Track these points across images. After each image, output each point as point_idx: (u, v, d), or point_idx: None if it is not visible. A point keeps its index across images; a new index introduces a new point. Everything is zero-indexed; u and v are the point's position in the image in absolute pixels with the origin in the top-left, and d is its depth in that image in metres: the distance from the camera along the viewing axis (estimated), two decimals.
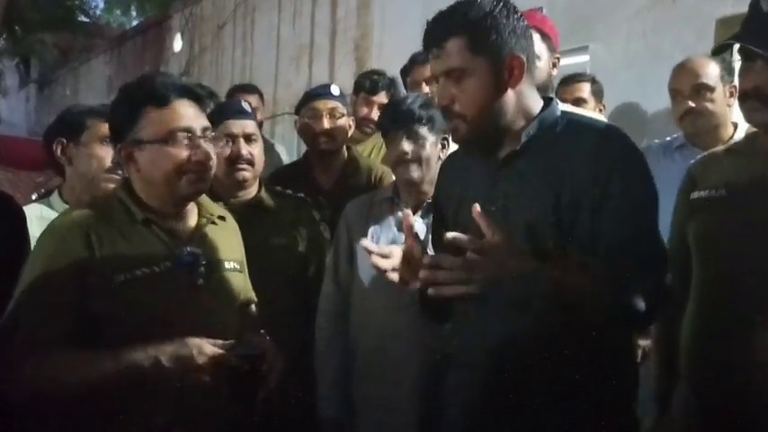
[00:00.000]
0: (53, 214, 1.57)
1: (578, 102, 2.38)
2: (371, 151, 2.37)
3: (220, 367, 1.18)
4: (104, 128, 1.61)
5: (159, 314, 1.23)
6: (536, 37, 1.79)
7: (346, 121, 2.15)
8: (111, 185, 1.62)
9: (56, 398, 1.18)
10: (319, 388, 1.73)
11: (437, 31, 1.13)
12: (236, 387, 1.23)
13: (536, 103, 1.17)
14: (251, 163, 1.76)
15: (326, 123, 2.08)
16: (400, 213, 1.73)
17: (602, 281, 1.00)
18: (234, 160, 1.74)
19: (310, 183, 2.10)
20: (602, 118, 2.17)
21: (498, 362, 1.12)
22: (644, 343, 1.72)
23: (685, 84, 1.97)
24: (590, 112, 2.27)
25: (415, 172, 1.66)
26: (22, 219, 1.38)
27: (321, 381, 1.74)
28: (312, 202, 1.91)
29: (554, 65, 1.87)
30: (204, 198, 1.41)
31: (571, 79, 2.51)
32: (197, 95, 1.33)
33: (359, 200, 1.82)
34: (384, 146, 2.38)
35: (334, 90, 2.16)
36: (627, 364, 1.16)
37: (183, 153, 1.26)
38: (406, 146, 1.65)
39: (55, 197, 1.70)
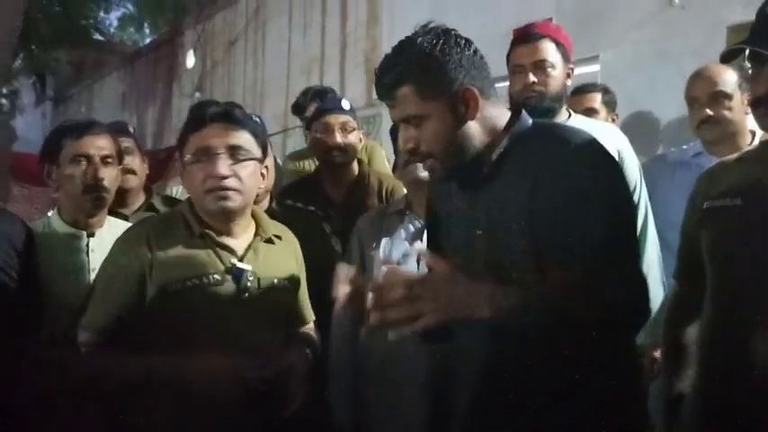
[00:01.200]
0: (52, 231, 1.63)
1: (589, 112, 2.36)
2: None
3: (241, 385, 1.25)
4: (76, 146, 1.63)
5: (204, 324, 1.32)
6: (551, 46, 1.80)
7: (357, 135, 2.16)
8: (88, 205, 1.65)
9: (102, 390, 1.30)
10: (332, 393, 1.74)
11: (385, 83, 1.13)
12: (254, 405, 1.28)
13: (503, 120, 1.16)
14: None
15: (338, 138, 2.09)
16: (411, 226, 1.74)
17: (570, 293, 0.99)
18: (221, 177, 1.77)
19: (322, 196, 2.11)
20: (611, 125, 2.16)
21: (493, 368, 1.12)
22: (657, 354, 1.70)
23: (702, 91, 1.95)
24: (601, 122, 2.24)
25: (420, 171, 1.63)
26: (27, 233, 1.45)
27: (334, 386, 1.75)
28: (323, 215, 1.92)
29: (568, 75, 1.85)
30: (262, 216, 1.50)
31: (582, 89, 2.48)
32: (229, 116, 1.38)
33: (370, 213, 1.83)
34: (368, 148, 2.44)
35: (345, 104, 2.17)
36: (624, 365, 1.14)
37: (202, 171, 1.34)
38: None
39: (54, 216, 1.70)
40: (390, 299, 0.94)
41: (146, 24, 12.46)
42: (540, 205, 1.05)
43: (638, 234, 1.37)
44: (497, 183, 1.12)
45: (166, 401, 1.28)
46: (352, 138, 2.13)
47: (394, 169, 1.97)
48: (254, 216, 1.49)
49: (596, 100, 2.46)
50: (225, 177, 1.33)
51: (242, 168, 1.36)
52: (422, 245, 1.64)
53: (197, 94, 7.70)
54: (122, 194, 1.91)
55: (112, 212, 1.79)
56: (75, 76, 13.05)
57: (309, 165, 2.38)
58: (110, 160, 1.66)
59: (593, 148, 1.09)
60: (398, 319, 0.94)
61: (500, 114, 1.16)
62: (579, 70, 2.70)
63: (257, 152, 1.40)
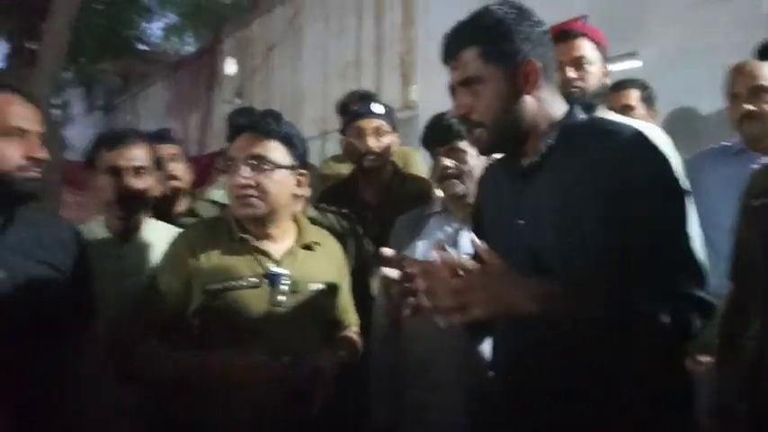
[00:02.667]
0: (93, 236, 1.69)
1: (626, 109, 2.31)
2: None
3: (276, 384, 1.31)
4: (107, 158, 1.68)
5: (241, 324, 1.38)
6: (588, 44, 1.78)
7: (391, 139, 2.18)
8: (121, 212, 1.71)
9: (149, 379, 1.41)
10: (373, 396, 1.76)
11: (452, 43, 1.15)
12: (288, 402, 1.34)
13: (559, 110, 1.15)
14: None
15: (371, 142, 2.11)
16: (449, 228, 1.74)
17: (610, 293, 0.98)
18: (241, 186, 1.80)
19: (357, 199, 2.13)
20: (651, 125, 2.12)
21: (531, 369, 1.10)
22: (705, 359, 1.66)
23: (743, 86, 1.89)
24: (637, 119, 2.20)
25: (458, 187, 1.67)
26: (77, 237, 1.50)
27: (374, 389, 1.77)
28: (358, 218, 1.95)
29: (605, 74, 1.84)
30: (304, 223, 1.56)
31: (619, 86, 2.43)
32: (256, 126, 1.44)
33: (409, 215, 1.84)
34: (404, 152, 2.44)
35: (378, 109, 2.18)
36: (674, 369, 1.10)
37: (229, 181, 1.43)
38: (448, 161, 1.68)
39: (96, 222, 1.76)
40: (439, 286, 0.94)
41: (188, 33, 12.81)
42: (585, 200, 1.04)
43: None
44: (545, 173, 1.11)
45: (208, 395, 1.35)
46: (385, 142, 2.15)
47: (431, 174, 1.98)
48: (296, 221, 1.54)
49: (634, 96, 2.41)
50: (245, 186, 1.39)
51: (265, 177, 1.41)
52: (462, 247, 1.64)
53: (237, 100, 7.87)
54: (167, 199, 1.98)
55: (160, 217, 1.86)
56: (122, 85, 13.52)
57: (346, 168, 2.42)
58: (143, 171, 1.70)
59: (643, 143, 1.07)
60: (445, 307, 0.94)
61: (556, 102, 1.16)
62: (618, 67, 2.66)
63: (286, 160, 1.44)
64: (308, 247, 1.52)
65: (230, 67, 8.37)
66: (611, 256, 1.01)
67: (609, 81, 1.89)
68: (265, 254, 1.45)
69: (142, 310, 1.43)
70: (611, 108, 1.95)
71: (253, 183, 1.40)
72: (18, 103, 1.30)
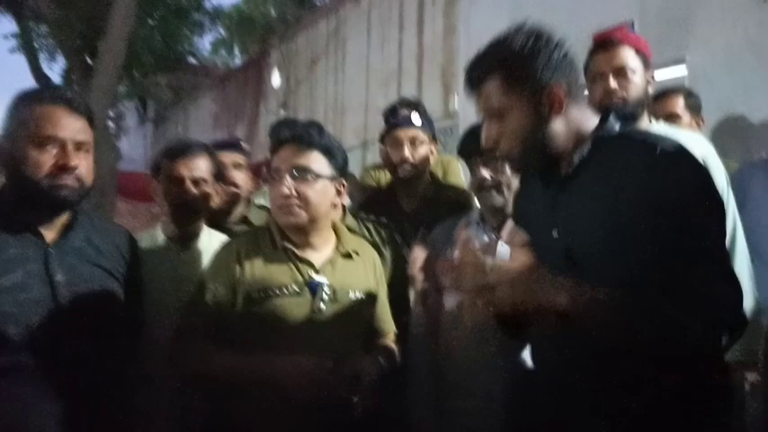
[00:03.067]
0: (153, 243, 1.78)
1: (671, 117, 2.25)
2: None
3: (318, 388, 1.33)
4: (171, 168, 1.78)
5: (280, 331, 1.42)
6: (630, 53, 1.76)
7: (428, 148, 2.19)
8: (181, 220, 1.80)
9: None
10: (412, 404, 1.77)
11: (473, 76, 1.16)
12: (329, 407, 1.35)
13: (589, 123, 1.14)
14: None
15: (407, 152, 2.12)
16: (485, 238, 1.73)
17: (644, 308, 0.96)
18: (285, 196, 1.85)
19: (395, 208, 2.15)
20: (695, 134, 2.06)
21: (572, 374, 1.09)
22: (752, 377, 1.60)
23: None
24: (682, 128, 2.14)
25: (496, 198, 1.66)
26: (133, 244, 1.57)
27: (414, 396, 1.77)
28: (394, 225, 1.97)
29: (648, 83, 1.80)
30: (342, 231, 1.60)
31: (663, 94, 2.37)
32: (299, 138, 1.49)
33: (445, 224, 1.85)
34: (443, 162, 2.44)
35: (415, 119, 2.20)
36: (714, 383, 1.07)
37: (271, 191, 1.49)
38: (485, 172, 1.67)
39: (158, 229, 1.86)
40: (467, 281, 0.96)
41: (235, 46, 13.15)
42: (621, 213, 1.03)
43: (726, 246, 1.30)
44: (578, 186, 1.11)
45: (253, 397, 1.38)
46: (421, 152, 2.16)
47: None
48: (335, 230, 1.57)
49: (678, 104, 2.35)
50: (288, 196, 1.44)
51: (307, 187, 1.45)
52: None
53: (282, 112, 8.03)
54: (226, 206, 2.06)
55: (216, 224, 1.94)
56: (173, 98, 13.99)
57: (386, 177, 2.44)
58: (202, 181, 1.79)
59: (681, 155, 1.05)
60: (473, 302, 0.95)
61: (586, 117, 1.15)
62: (664, 74, 2.59)
63: (327, 170, 1.49)
64: (347, 256, 1.55)
65: (276, 79, 8.56)
66: (640, 268, 0.99)
67: (653, 89, 1.86)
68: (306, 262, 1.49)
69: (191, 316, 1.48)
70: (655, 116, 1.91)
71: (295, 192, 1.45)
72: (60, 113, 1.33)
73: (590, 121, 1.15)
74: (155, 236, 1.83)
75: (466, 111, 4.61)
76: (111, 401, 1.40)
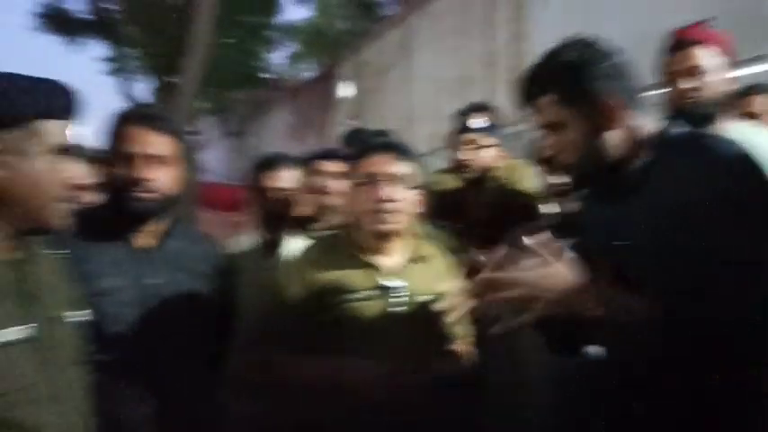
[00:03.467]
0: (239, 251, 1.90)
1: (749, 117, 2.13)
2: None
3: (393, 389, 1.34)
4: (259, 178, 1.91)
5: (356, 336, 1.43)
6: (705, 52, 1.70)
7: (491, 153, 2.18)
8: (273, 228, 1.90)
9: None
10: (486, 410, 1.76)
11: (528, 91, 1.16)
12: (412, 410, 1.35)
13: (649, 130, 1.13)
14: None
15: (468, 155, 2.13)
16: (559, 245, 1.71)
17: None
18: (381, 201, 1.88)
19: (464, 213, 2.16)
20: None
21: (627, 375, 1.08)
22: None
23: None
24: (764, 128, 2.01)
25: (568, 204, 1.65)
26: (220, 251, 1.68)
27: (489, 401, 1.77)
28: (465, 232, 1.97)
29: (727, 81, 1.73)
30: (416, 237, 1.61)
31: (744, 92, 2.25)
32: (389, 147, 1.54)
33: (515, 230, 1.83)
34: (514, 166, 2.39)
35: (481, 123, 2.20)
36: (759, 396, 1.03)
37: (364, 195, 1.49)
38: (557, 178, 1.66)
39: (245, 237, 1.99)
40: (500, 284, 0.97)
41: (308, 60, 13.56)
42: (679, 219, 1.01)
43: None
44: (640, 193, 1.10)
45: (331, 402, 1.39)
46: (484, 156, 2.15)
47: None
48: (409, 236, 1.59)
49: (757, 103, 2.20)
50: (385, 201, 1.46)
51: (402, 194, 1.49)
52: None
53: (352, 122, 8.19)
54: (318, 213, 2.12)
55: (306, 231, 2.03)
56: (251, 111, 14.60)
57: (453, 181, 2.45)
58: (288, 192, 1.91)
59: (741, 160, 1.03)
60: (505, 305, 0.96)
61: (645, 124, 1.14)
62: (745, 71, 2.45)
63: (414, 181, 1.53)
64: (420, 260, 1.57)
65: (346, 90, 8.75)
66: (699, 274, 0.98)
67: (734, 87, 1.77)
68: (380, 268, 1.51)
69: (269, 322, 1.51)
70: (735, 116, 1.82)
71: (392, 199, 1.48)
72: (139, 131, 1.44)
73: (650, 127, 1.14)
74: (242, 243, 1.95)
75: None
76: (201, 402, 1.48)
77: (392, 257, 1.54)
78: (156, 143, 1.46)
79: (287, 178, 1.92)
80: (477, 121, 2.21)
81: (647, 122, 1.14)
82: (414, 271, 1.55)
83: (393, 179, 1.49)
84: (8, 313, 0.98)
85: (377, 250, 1.53)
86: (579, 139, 1.12)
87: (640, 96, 1.15)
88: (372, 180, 1.49)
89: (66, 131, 1.06)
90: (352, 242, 1.54)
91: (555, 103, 1.12)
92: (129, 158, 1.43)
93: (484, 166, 2.16)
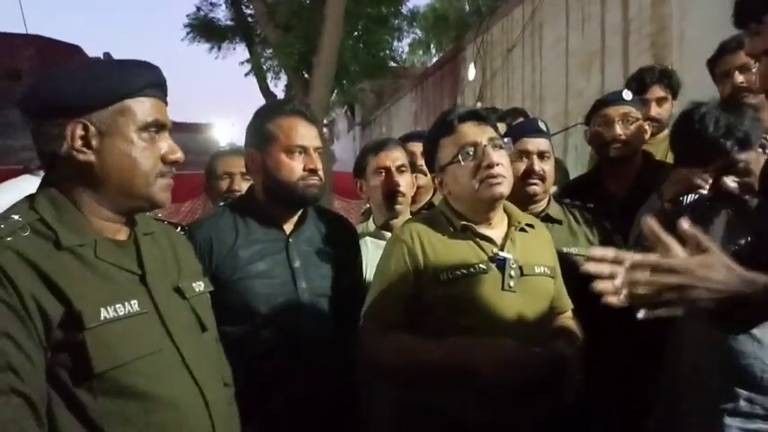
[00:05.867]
0: (365, 233, 1.99)
1: None
2: (663, 152, 2.19)
3: (524, 369, 1.29)
4: (375, 162, 1.98)
5: (472, 311, 1.40)
6: None
7: (641, 126, 2.06)
8: (400, 207, 1.95)
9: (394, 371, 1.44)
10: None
11: (752, 4, 1.00)
12: (534, 389, 1.31)
13: None
14: (542, 179, 1.82)
15: (618, 129, 2.01)
16: (717, 221, 1.56)
17: None
18: (527, 175, 1.81)
19: (601, 192, 2.07)
20: None
21: None
22: None
23: None
24: None
25: (731, 183, 1.46)
26: (355, 233, 1.79)
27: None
28: (601, 211, 1.89)
29: None
30: (512, 207, 1.56)
31: None
32: (477, 115, 1.50)
33: (654, 205, 1.72)
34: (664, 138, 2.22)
35: (627, 95, 2.08)
36: None
37: (471, 164, 1.44)
38: (730, 182, 1.47)
39: (371, 222, 2.08)
40: (649, 277, 0.90)
41: (432, 45, 13.57)
42: None
43: None
44: None
45: (451, 383, 1.36)
46: (634, 129, 2.04)
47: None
48: (504, 208, 1.55)
49: None
50: (497, 165, 1.42)
51: (506, 158, 1.46)
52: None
53: (478, 104, 8.09)
54: (416, 193, 2.19)
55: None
56: (377, 102, 14.96)
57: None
58: (403, 168, 1.97)
59: None
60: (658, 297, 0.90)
61: None
62: None
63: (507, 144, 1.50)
64: (522, 231, 1.52)
65: (471, 72, 8.65)
66: None
67: None
68: (488, 239, 1.47)
69: (378, 304, 1.47)
70: None
71: (503, 163, 1.44)
72: (302, 124, 1.58)
73: None
74: (367, 226, 2.05)
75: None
76: (344, 382, 1.55)
77: (496, 229, 1.50)
78: (316, 136, 1.59)
79: (400, 157, 1.98)
80: (625, 92, 2.09)
81: None
82: (520, 241, 1.49)
83: (497, 143, 1.45)
84: (124, 288, 1.01)
85: (479, 222, 1.48)
86: None
87: None
88: (478, 148, 1.44)
89: (159, 108, 1.05)
90: (453, 217, 1.49)
91: None
92: (301, 150, 1.55)
93: (633, 140, 2.03)
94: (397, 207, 1.96)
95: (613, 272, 0.90)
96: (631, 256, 0.91)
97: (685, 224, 0.91)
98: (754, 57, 1.03)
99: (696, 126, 1.46)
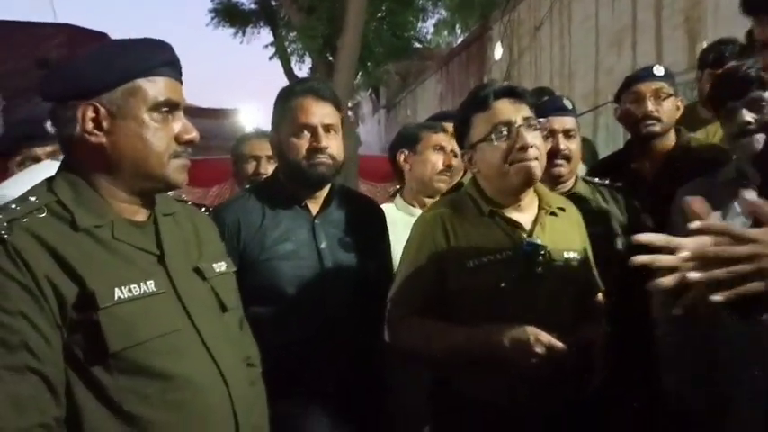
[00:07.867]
0: (396, 212, 1.97)
1: None
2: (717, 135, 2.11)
3: (552, 356, 1.25)
4: (435, 138, 1.99)
5: (500, 297, 1.36)
6: None
7: (674, 103, 1.99)
8: (442, 185, 1.96)
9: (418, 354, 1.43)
10: (675, 384, 1.62)
11: None
12: (563, 375, 1.30)
13: None
14: (568, 158, 1.78)
15: (650, 106, 1.94)
16: (747, 197, 1.52)
17: None
18: (552, 155, 1.76)
19: (631, 172, 2.01)
20: None
21: None
22: None
23: None
24: None
25: (760, 143, 1.45)
26: (382, 216, 1.76)
27: (681, 376, 1.61)
28: (630, 190, 1.84)
29: None
30: (544, 190, 1.51)
31: None
32: (513, 92, 1.44)
33: (694, 183, 1.66)
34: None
35: (658, 70, 2.00)
36: None
37: (504, 144, 1.38)
38: (748, 115, 1.47)
39: (398, 199, 2.07)
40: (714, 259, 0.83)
41: (457, 25, 13.35)
42: None
43: None
44: None
45: (479, 369, 1.34)
46: (667, 106, 1.97)
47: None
48: (535, 190, 1.49)
49: None
50: (533, 146, 1.37)
51: (537, 139, 1.40)
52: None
53: (505, 84, 7.95)
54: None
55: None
56: (401, 84, 14.84)
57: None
58: (455, 153, 1.95)
59: None
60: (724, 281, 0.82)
61: None
62: None
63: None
64: (553, 215, 1.47)
65: (498, 51, 8.50)
66: None
67: None
68: (516, 224, 1.42)
69: (401, 289, 1.44)
70: None
71: (537, 145, 1.38)
72: (311, 102, 1.54)
73: None
74: (397, 206, 2.04)
75: None
76: (372, 363, 1.54)
77: (525, 214, 1.45)
78: (328, 113, 1.56)
79: (451, 141, 1.96)
80: (657, 68, 2.01)
81: None
82: (549, 225, 1.44)
83: (531, 122, 1.39)
84: (141, 268, 1.00)
85: (508, 206, 1.44)
86: None
87: None
88: (511, 128, 1.38)
89: (172, 87, 1.03)
90: (481, 201, 1.45)
91: None
92: (308, 129, 1.53)
93: (667, 116, 1.96)
94: (442, 186, 1.96)
95: (669, 261, 0.83)
96: (697, 225, 0.84)
97: (750, 195, 0.86)
98: (765, 44, 1.01)
99: (736, 64, 1.54)
